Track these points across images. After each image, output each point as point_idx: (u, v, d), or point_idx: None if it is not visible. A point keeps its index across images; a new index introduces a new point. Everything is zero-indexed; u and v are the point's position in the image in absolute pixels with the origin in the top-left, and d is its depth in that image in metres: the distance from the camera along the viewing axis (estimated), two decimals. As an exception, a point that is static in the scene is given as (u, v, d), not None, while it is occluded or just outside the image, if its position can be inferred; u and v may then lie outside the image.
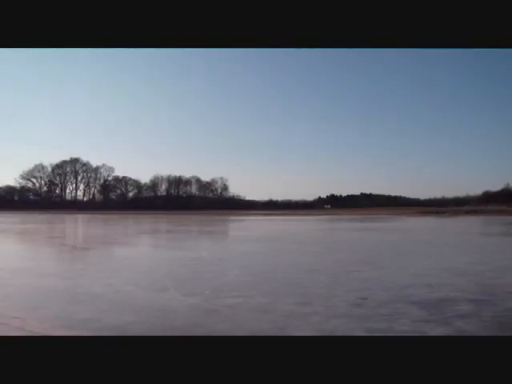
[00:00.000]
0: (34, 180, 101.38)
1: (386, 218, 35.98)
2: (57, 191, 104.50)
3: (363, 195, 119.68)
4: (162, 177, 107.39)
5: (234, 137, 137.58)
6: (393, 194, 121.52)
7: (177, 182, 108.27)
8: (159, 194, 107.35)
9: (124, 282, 5.44)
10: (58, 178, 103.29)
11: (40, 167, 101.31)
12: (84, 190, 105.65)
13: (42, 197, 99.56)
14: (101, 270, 6.65)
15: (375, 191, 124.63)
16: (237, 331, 3.33)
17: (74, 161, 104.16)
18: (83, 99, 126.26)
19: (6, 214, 49.16)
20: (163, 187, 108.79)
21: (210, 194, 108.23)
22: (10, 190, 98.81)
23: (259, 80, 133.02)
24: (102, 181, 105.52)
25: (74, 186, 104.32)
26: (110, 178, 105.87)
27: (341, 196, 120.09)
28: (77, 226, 25.49)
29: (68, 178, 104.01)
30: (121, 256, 9.22)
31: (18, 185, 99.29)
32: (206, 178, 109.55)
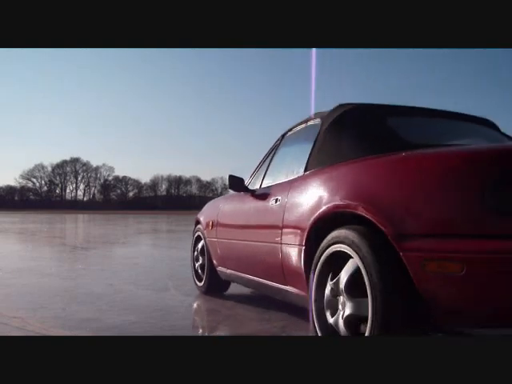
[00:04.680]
0: (34, 180, 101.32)
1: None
2: (57, 191, 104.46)
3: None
4: (162, 177, 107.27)
5: (234, 136, 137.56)
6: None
7: (177, 181, 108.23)
8: (159, 193, 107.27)
9: (124, 281, 5.44)
10: (58, 178, 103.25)
11: (40, 167, 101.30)
12: (84, 190, 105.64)
13: (42, 197, 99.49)
14: (101, 269, 6.65)
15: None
16: (238, 331, 3.34)
17: (74, 161, 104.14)
18: (84, 99, 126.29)
19: (6, 214, 49.15)
20: (163, 187, 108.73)
21: (211, 194, 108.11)
22: (10, 190, 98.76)
23: (259, 79, 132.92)
24: (102, 181, 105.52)
25: (74, 185, 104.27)
26: (110, 178, 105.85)
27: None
28: (77, 225, 25.48)
29: (68, 177, 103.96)
30: (121, 256, 9.22)
31: (18, 185, 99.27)
32: (206, 177, 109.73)
